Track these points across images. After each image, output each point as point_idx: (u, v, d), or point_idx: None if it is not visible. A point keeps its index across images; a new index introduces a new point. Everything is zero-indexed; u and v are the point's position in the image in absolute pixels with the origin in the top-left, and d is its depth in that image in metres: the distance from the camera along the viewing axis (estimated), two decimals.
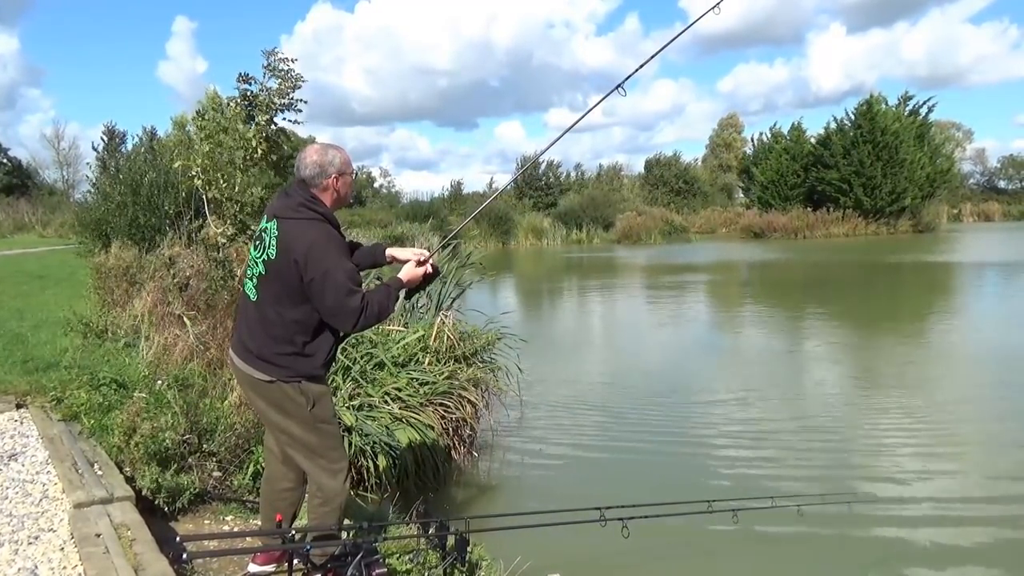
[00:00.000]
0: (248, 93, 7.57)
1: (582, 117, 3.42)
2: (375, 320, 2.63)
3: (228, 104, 7.77)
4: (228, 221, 7.51)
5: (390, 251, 2.97)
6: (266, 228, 2.66)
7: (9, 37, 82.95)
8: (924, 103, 44.33)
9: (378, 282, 3.58)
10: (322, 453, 2.73)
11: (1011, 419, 7.05)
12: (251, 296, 2.70)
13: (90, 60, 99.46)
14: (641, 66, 3.19)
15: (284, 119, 7.82)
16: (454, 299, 8.28)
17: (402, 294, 2.86)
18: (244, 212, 7.60)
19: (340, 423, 4.92)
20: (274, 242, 2.60)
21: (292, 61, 7.60)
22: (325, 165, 2.66)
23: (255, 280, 2.68)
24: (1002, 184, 71.72)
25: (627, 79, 3.14)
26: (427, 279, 2.86)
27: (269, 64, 7.52)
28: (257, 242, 2.71)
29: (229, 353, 2.82)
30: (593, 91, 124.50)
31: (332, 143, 2.76)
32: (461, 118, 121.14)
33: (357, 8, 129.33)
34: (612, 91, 3.12)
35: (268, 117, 7.62)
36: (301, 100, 7.76)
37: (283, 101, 7.64)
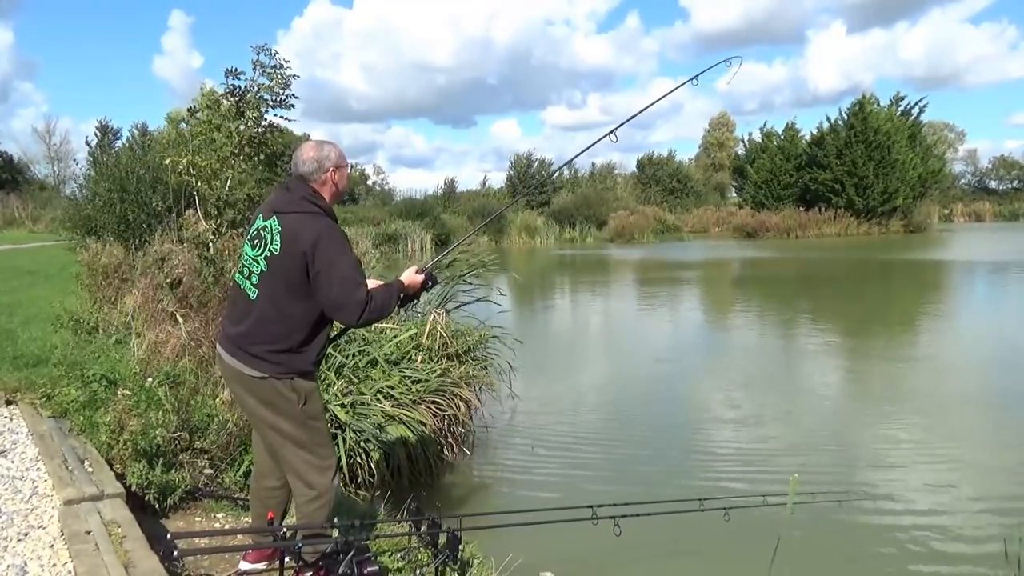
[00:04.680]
0: (236, 89, 7.50)
1: (580, 151, 3.52)
2: (377, 316, 2.69)
3: (219, 101, 7.71)
4: (212, 215, 7.47)
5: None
6: (265, 226, 2.67)
7: (3, 30, 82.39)
8: (916, 104, 44.63)
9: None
10: (312, 450, 2.73)
11: (1002, 416, 7.10)
12: (251, 295, 2.69)
13: (85, 54, 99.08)
14: (619, 122, 3.57)
15: (276, 115, 7.76)
16: (446, 302, 8.27)
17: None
18: (235, 209, 7.56)
19: (333, 420, 4.92)
20: (277, 237, 2.62)
21: (286, 61, 7.55)
22: (322, 160, 2.72)
23: (256, 278, 2.68)
24: (993, 184, 72.27)
25: (619, 126, 3.45)
26: (423, 287, 2.93)
27: (259, 61, 7.46)
28: (255, 240, 2.71)
29: (217, 350, 2.82)
30: (592, 89, 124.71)
31: (326, 139, 2.81)
32: (458, 115, 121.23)
33: (355, 3, 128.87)
34: (604, 136, 3.53)
35: (258, 114, 7.55)
36: (293, 96, 7.70)
37: (274, 99, 7.58)
